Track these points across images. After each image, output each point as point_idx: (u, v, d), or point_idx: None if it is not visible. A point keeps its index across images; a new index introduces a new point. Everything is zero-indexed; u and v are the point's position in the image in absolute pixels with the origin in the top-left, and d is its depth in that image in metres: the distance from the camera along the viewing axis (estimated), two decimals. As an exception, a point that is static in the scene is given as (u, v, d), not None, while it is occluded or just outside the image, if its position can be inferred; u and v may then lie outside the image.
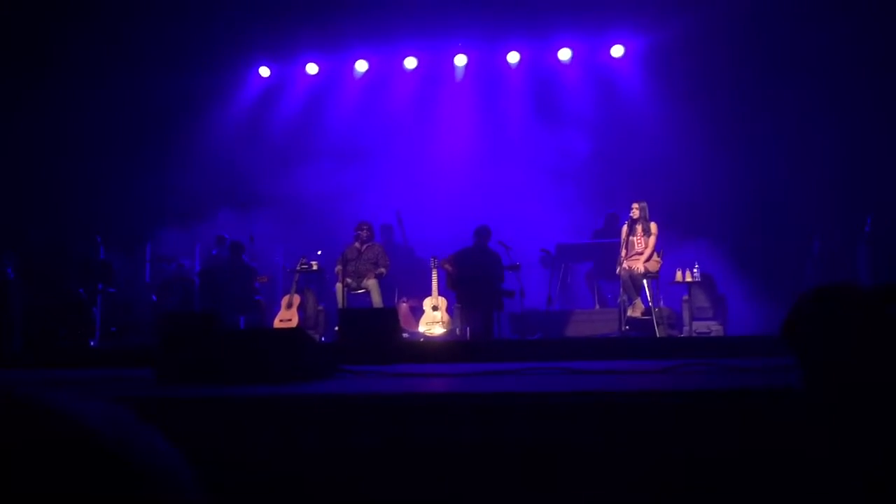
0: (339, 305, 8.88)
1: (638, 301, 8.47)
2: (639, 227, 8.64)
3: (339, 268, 9.22)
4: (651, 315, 8.24)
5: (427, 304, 9.20)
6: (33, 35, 10.00)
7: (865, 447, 1.25)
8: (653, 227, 8.61)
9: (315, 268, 9.50)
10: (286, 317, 9.13)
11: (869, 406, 1.26)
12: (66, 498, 0.48)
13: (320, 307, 9.64)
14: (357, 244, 9.42)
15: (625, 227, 8.75)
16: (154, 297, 9.70)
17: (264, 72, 11.99)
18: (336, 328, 7.84)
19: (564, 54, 11.51)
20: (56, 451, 0.49)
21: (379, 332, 6.43)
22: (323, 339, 9.01)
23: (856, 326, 1.29)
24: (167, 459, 0.55)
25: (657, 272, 8.57)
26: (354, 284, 9.19)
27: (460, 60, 11.79)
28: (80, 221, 9.88)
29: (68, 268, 9.03)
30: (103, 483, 0.50)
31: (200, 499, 0.56)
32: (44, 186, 9.92)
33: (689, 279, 8.81)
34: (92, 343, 8.56)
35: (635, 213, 8.67)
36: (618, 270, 8.71)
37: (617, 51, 11.37)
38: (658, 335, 8.00)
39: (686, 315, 8.94)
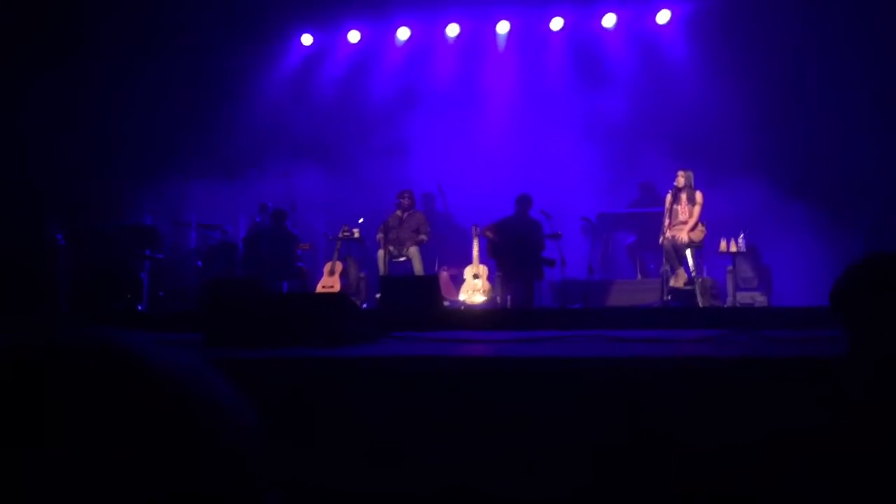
0: (381, 273, 8.94)
1: (681, 271, 8.39)
2: (683, 196, 8.53)
3: (380, 235, 9.27)
4: (694, 285, 8.17)
5: (468, 272, 9.22)
6: (77, 18, 10.13)
7: None
8: (698, 195, 8.50)
9: (357, 235, 9.57)
10: (328, 283, 9.22)
11: None
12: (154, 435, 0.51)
13: (362, 274, 9.72)
14: (399, 212, 9.46)
15: (668, 196, 8.64)
16: (199, 263, 9.86)
17: (307, 40, 11.99)
18: (377, 295, 7.91)
19: (609, 20, 11.32)
20: (141, 392, 0.52)
21: (420, 299, 6.49)
22: (364, 306, 9.08)
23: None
24: (237, 405, 0.58)
25: (701, 242, 8.47)
26: (396, 252, 9.24)
27: (503, 27, 11.67)
28: (127, 188, 10.07)
29: (116, 233, 9.21)
30: (186, 426, 0.52)
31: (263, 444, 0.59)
32: (92, 154, 10.08)
33: (733, 249, 8.70)
34: (140, 307, 8.75)
35: (680, 181, 8.55)
36: (661, 240, 8.61)
37: (663, 16, 11.15)
38: (700, 305, 7.93)
39: (730, 285, 8.84)
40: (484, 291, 9.04)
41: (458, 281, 9.34)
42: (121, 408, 0.50)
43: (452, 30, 11.73)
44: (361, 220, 9.70)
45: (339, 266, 9.31)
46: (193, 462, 0.51)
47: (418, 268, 9.07)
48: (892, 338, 1.31)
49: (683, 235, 8.39)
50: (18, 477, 0.46)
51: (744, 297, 8.76)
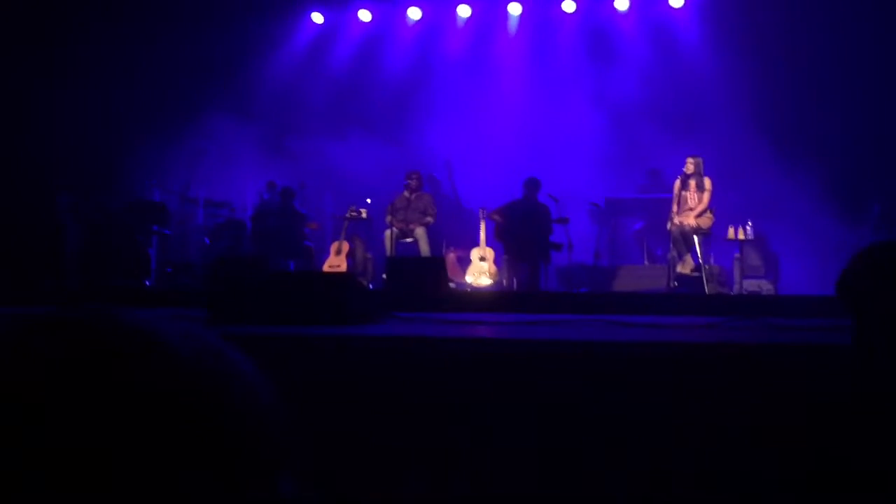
0: (388, 254, 8.95)
1: (688, 257, 8.38)
2: (692, 183, 8.51)
3: (388, 216, 9.28)
4: (701, 272, 8.15)
5: (474, 254, 9.23)
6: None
7: None
8: (707, 182, 8.47)
9: (364, 216, 9.59)
10: (335, 263, 9.24)
11: None
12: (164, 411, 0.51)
13: (368, 255, 9.74)
14: (406, 193, 9.46)
15: (677, 182, 8.61)
16: (207, 240, 9.89)
17: (317, 18, 11.95)
18: (384, 276, 7.93)
19: (622, 3, 11.23)
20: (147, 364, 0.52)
21: (426, 280, 6.49)
22: (371, 286, 9.10)
23: None
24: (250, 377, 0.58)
25: (709, 229, 8.45)
26: (402, 233, 9.25)
27: (514, 9, 11.59)
28: (136, 164, 10.08)
29: (124, 209, 9.24)
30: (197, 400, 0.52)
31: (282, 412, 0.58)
32: (101, 130, 10.09)
33: (741, 237, 8.68)
34: (147, 283, 8.79)
35: (690, 167, 8.52)
36: (669, 226, 8.59)
37: (676, 1, 11.06)
38: (707, 292, 7.92)
39: (737, 273, 8.82)
40: (490, 274, 9.05)
41: (465, 263, 9.35)
42: (131, 384, 0.50)
43: (464, 10, 11.67)
44: (369, 201, 9.71)
45: (345, 246, 9.32)
46: (205, 440, 0.51)
47: (425, 249, 9.08)
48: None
49: (691, 222, 8.37)
50: (23, 460, 0.46)
51: (751, 285, 8.75)
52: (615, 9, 11.27)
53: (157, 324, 0.55)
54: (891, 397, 1.34)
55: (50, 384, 0.48)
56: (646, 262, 9.64)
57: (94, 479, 0.46)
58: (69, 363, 0.49)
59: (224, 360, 0.56)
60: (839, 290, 1.48)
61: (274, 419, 0.57)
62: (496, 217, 9.14)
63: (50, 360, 0.49)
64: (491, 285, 8.98)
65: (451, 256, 9.62)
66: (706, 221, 8.41)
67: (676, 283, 8.36)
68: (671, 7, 11.12)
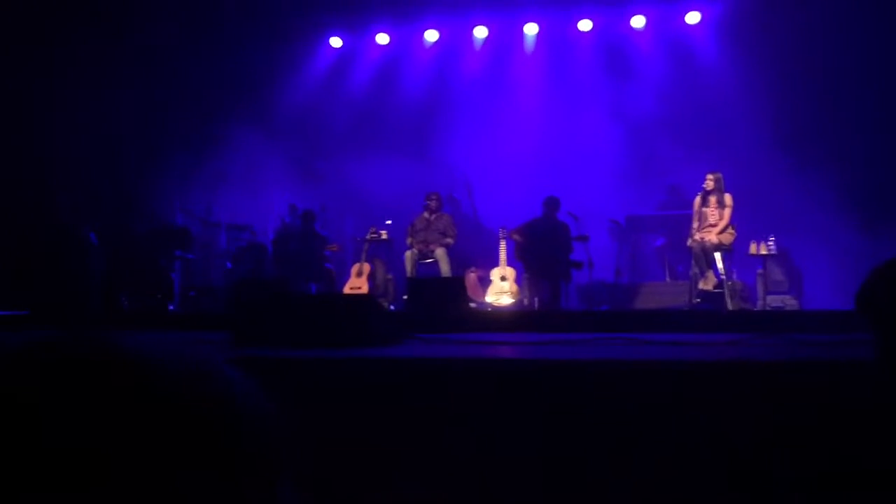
0: (408, 274, 8.98)
1: (710, 274, 8.33)
2: (712, 199, 8.48)
3: (409, 238, 9.32)
4: (723, 288, 8.10)
5: (495, 274, 9.23)
6: (117, 17, 10.27)
7: None
8: (727, 198, 8.44)
9: (384, 237, 9.63)
10: (356, 285, 9.28)
11: None
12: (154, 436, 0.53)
13: (389, 276, 9.76)
14: (426, 214, 9.49)
15: (697, 199, 8.59)
16: (229, 265, 9.97)
17: (336, 42, 12.07)
18: (405, 297, 7.94)
19: (638, 21, 11.25)
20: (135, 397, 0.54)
21: (447, 301, 6.50)
22: (392, 307, 9.12)
23: None
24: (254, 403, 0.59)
25: (730, 245, 8.41)
26: (423, 254, 9.27)
27: (531, 29, 11.65)
28: (159, 190, 10.20)
29: (148, 234, 9.34)
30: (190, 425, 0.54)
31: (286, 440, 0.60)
32: (124, 156, 10.23)
33: (763, 252, 8.62)
34: (171, 307, 8.86)
35: (709, 184, 8.50)
36: (689, 242, 8.56)
37: (693, 17, 11.06)
38: (730, 308, 7.87)
39: (760, 289, 8.75)
40: (511, 293, 9.04)
41: (486, 283, 9.34)
42: (123, 409, 0.52)
43: (480, 32, 11.74)
44: (389, 222, 9.75)
45: (366, 267, 9.36)
46: (200, 457, 0.53)
47: (445, 269, 9.09)
48: None
49: (713, 238, 8.33)
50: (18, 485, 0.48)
51: (774, 301, 8.68)
52: (631, 26, 11.30)
53: (145, 346, 0.57)
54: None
55: (40, 398, 0.51)
56: (667, 279, 9.60)
57: (79, 485, 0.49)
58: (57, 380, 0.52)
59: (216, 379, 0.58)
60: (859, 304, 1.48)
61: (271, 434, 0.59)
62: (516, 236, 9.14)
63: (39, 378, 0.52)
64: (512, 305, 8.96)
65: (471, 276, 9.62)
66: (728, 238, 8.37)
67: (699, 300, 8.31)
68: (687, 24, 11.13)
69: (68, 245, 8.28)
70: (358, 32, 12.00)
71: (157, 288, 8.82)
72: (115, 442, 0.50)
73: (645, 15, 11.21)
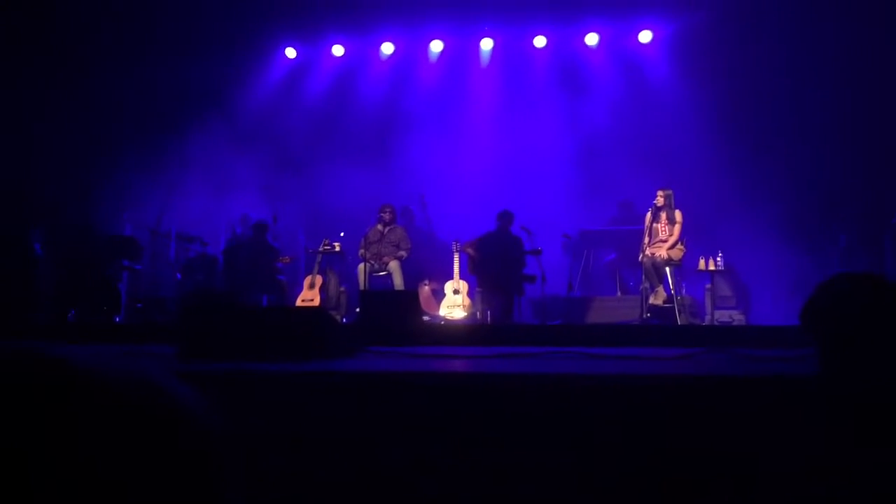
0: (361, 287, 8.93)
1: (660, 289, 8.45)
2: (663, 215, 8.60)
3: (361, 250, 9.27)
4: (673, 303, 8.21)
5: (448, 287, 9.23)
6: (64, 25, 10.09)
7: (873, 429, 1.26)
8: (677, 214, 8.58)
9: (337, 249, 9.57)
10: (308, 297, 9.19)
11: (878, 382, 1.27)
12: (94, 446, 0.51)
13: (342, 288, 9.70)
14: (380, 226, 9.46)
15: (648, 214, 8.71)
16: (179, 276, 9.80)
17: (290, 53, 12.01)
18: (357, 310, 7.90)
19: (591, 39, 11.42)
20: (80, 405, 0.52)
21: (400, 314, 6.47)
22: (344, 320, 9.06)
23: (870, 308, 1.31)
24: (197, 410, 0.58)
25: (680, 260, 8.53)
26: (376, 266, 9.23)
27: (486, 44, 11.74)
28: (107, 199, 9.99)
29: (95, 244, 9.14)
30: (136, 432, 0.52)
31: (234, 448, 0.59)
32: (71, 164, 10.01)
33: (712, 268, 8.77)
34: (117, 319, 8.68)
35: (660, 200, 8.62)
36: (640, 258, 8.67)
37: (645, 36, 11.26)
38: (679, 323, 7.97)
39: (708, 304, 8.90)
40: (464, 307, 9.05)
41: (440, 296, 9.34)
42: (61, 419, 0.51)
43: (436, 46, 11.79)
44: (342, 234, 9.69)
45: (319, 280, 9.28)
46: (143, 469, 0.51)
47: (398, 282, 9.06)
48: (860, 355, 1.33)
49: (663, 253, 8.45)
50: None
51: (722, 316, 8.83)
52: (585, 44, 11.45)
53: (85, 357, 0.56)
54: (854, 427, 1.35)
55: None
56: (619, 294, 9.71)
57: (21, 495, 0.47)
58: None
59: (158, 391, 0.56)
60: (803, 319, 1.52)
61: (217, 446, 0.57)
62: (469, 250, 9.16)
63: None
64: (465, 318, 8.97)
65: (425, 289, 9.61)
66: (677, 253, 8.50)
67: (649, 315, 8.41)
68: (640, 42, 11.32)
69: (11, 255, 8.08)
70: (313, 44, 11.96)
71: (103, 299, 8.63)
72: (54, 453, 0.49)
73: (598, 33, 11.38)
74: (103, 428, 0.51)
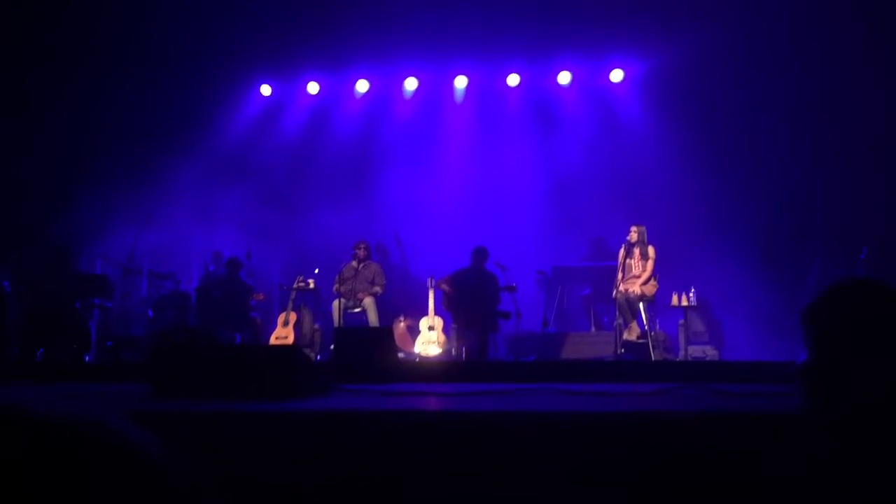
0: (336, 324, 8.87)
1: (634, 324, 8.48)
2: (636, 251, 8.66)
3: (336, 286, 9.23)
4: (647, 339, 8.24)
5: (423, 324, 9.20)
6: (36, 59, 10.05)
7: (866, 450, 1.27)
8: (650, 250, 8.64)
9: (312, 286, 9.51)
10: (282, 334, 9.12)
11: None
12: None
13: (316, 326, 9.63)
14: (354, 263, 9.44)
15: (622, 250, 8.76)
16: (150, 313, 9.69)
17: (265, 90, 12.03)
18: (332, 347, 7.84)
19: (564, 78, 11.57)
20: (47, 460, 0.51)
21: (374, 351, 6.43)
22: (319, 357, 8.99)
23: (870, 312, 1.34)
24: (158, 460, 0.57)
25: (653, 296, 8.58)
26: (351, 303, 9.19)
27: (461, 82, 11.85)
28: (77, 236, 9.88)
29: (65, 281, 9.01)
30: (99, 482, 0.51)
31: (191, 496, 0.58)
32: (42, 201, 9.91)
33: (685, 303, 8.83)
34: (87, 357, 8.54)
35: (633, 236, 8.69)
36: (614, 294, 8.71)
37: (616, 75, 11.44)
38: (654, 359, 8.00)
39: (682, 339, 8.95)
40: (439, 343, 9.01)
41: (415, 332, 9.30)
42: (10, 465, 0.50)
43: (411, 83, 11.88)
44: (317, 271, 9.65)
45: (293, 317, 9.22)
46: None
47: (373, 319, 9.02)
48: (855, 349, 1.34)
49: (636, 289, 8.49)
50: None
51: (695, 351, 8.87)
52: (558, 82, 11.60)
53: (29, 400, 0.55)
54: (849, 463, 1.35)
55: None
56: (593, 329, 9.73)
57: None
58: None
59: (108, 435, 0.55)
60: (805, 318, 1.53)
61: (174, 490, 0.56)
62: (444, 286, 9.15)
63: None
64: (440, 355, 8.93)
65: (400, 326, 9.57)
66: (650, 289, 8.55)
67: (623, 350, 8.43)
68: (611, 82, 11.49)
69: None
70: (288, 80, 11.99)
71: (73, 338, 8.49)
72: (3, 499, 0.48)
73: (571, 71, 11.53)
74: (54, 471, 0.50)
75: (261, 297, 9.70)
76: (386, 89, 11.99)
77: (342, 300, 9.12)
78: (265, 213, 10.78)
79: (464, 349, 8.87)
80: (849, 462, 1.34)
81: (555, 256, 10.27)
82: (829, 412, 1.38)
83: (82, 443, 0.53)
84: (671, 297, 8.86)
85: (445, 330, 9.15)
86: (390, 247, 10.58)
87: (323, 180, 11.27)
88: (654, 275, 8.60)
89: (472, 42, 11.01)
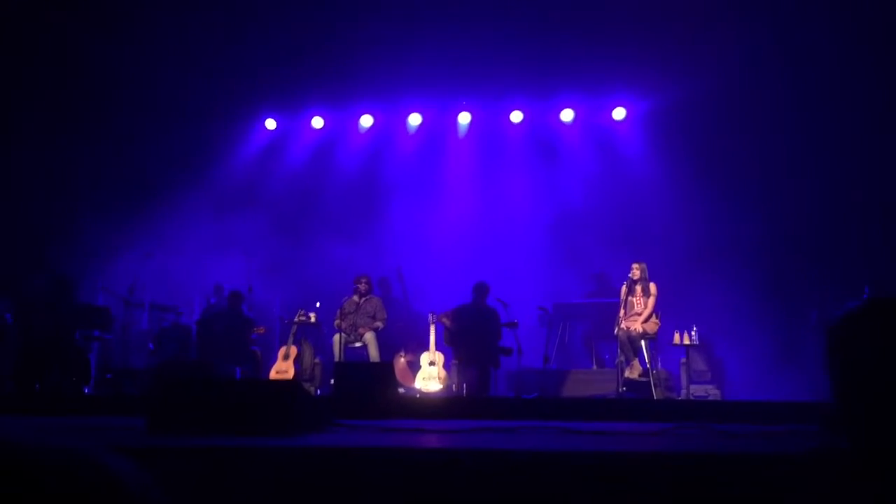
0: (336, 358, 8.83)
1: (636, 362, 8.42)
2: (638, 288, 8.63)
3: (337, 321, 9.20)
4: (649, 377, 8.19)
5: (424, 359, 9.15)
6: (41, 93, 10.15)
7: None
8: (652, 287, 8.61)
9: (313, 320, 9.49)
10: (282, 368, 9.07)
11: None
12: None
13: (317, 360, 9.59)
14: (355, 297, 9.42)
15: (624, 287, 8.73)
16: (151, 346, 9.66)
17: (270, 124, 12.12)
18: (332, 381, 7.80)
19: (567, 115, 11.65)
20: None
21: (374, 386, 6.40)
22: (319, 391, 8.94)
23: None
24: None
25: (655, 333, 8.54)
26: (352, 337, 9.16)
27: (464, 118, 11.93)
28: (78, 268, 9.89)
29: (66, 313, 8.99)
30: None
31: None
32: (43, 233, 9.94)
33: (686, 342, 8.79)
34: (87, 390, 8.49)
35: (635, 273, 8.67)
36: (616, 331, 8.67)
37: (618, 113, 11.52)
38: (655, 397, 7.94)
39: (683, 378, 8.89)
40: (440, 379, 8.96)
41: (415, 367, 9.25)
42: None
43: (414, 119, 11.97)
44: (318, 305, 9.63)
45: (293, 351, 9.18)
46: None
47: (374, 354, 8.98)
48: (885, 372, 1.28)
49: (638, 326, 8.45)
50: None
51: (697, 390, 8.81)
52: (560, 120, 11.67)
53: (14, 434, 0.55)
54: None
55: None
56: (594, 367, 9.68)
57: None
58: None
59: (92, 470, 0.55)
60: (831, 334, 1.46)
61: None
62: (445, 321, 9.12)
63: None
64: (441, 390, 8.87)
65: (401, 361, 9.53)
66: (652, 326, 8.51)
67: (625, 388, 8.37)
68: (613, 119, 11.57)
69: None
70: (293, 115, 12.08)
71: (73, 370, 8.46)
72: None
73: (573, 109, 11.62)
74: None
75: (262, 330, 9.68)
76: (390, 124, 12.08)
77: (343, 334, 9.09)
78: (268, 246, 10.80)
79: (465, 385, 8.81)
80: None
81: (556, 293, 10.25)
82: (873, 450, 1.29)
83: (55, 476, 0.52)
84: (673, 335, 8.83)
85: (446, 365, 9.10)
86: (392, 281, 10.57)
87: (326, 215, 11.31)
88: (655, 312, 8.56)
89: (475, 79, 11.12)
